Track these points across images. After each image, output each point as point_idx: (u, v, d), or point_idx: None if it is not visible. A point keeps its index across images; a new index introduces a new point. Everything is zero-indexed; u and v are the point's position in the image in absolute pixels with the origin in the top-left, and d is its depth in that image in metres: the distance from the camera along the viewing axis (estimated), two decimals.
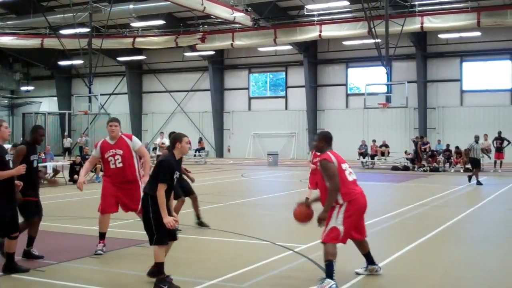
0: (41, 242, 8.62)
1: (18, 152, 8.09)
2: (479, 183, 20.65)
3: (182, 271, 7.75)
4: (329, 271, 6.85)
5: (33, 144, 8.39)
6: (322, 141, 7.35)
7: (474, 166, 21.29)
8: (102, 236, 8.80)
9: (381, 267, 7.56)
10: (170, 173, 6.86)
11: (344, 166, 7.12)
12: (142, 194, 7.34)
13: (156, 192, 6.76)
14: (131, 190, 8.83)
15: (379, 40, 29.82)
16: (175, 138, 7.13)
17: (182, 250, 9.47)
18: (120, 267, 8.02)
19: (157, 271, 6.97)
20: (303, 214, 7.52)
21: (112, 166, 8.78)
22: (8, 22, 39.06)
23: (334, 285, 6.73)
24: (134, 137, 9.04)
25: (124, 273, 7.80)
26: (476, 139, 22.11)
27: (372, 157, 31.70)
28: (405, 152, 31.25)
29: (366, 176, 25.75)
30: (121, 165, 8.76)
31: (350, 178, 7.12)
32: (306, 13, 35.13)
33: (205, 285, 7.04)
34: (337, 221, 6.95)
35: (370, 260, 7.51)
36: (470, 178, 21.05)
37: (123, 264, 8.21)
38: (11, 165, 7.50)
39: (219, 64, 43.08)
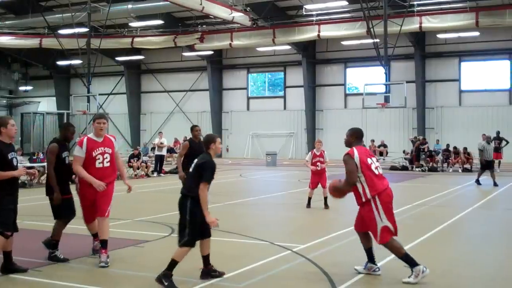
0: (38, 242, 8.61)
1: (51, 150, 8.21)
2: (478, 182, 20.56)
3: (180, 271, 7.75)
4: (410, 261, 7.13)
5: (64, 141, 8.49)
6: (352, 137, 7.63)
7: (486, 167, 20.67)
8: (95, 235, 8.56)
9: (380, 268, 7.56)
10: (212, 173, 7.05)
11: (369, 160, 7.33)
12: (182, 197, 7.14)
13: (198, 192, 6.87)
14: (109, 191, 8.22)
15: (377, 40, 29.84)
16: (210, 139, 7.31)
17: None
18: (118, 267, 8.01)
19: (207, 272, 7.26)
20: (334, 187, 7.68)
21: (99, 165, 8.09)
22: (6, 22, 39.03)
23: (424, 268, 7.05)
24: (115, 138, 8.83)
25: (123, 273, 7.79)
26: (488, 139, 21.26)
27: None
28: (404, 152, 31.27)
29: None
30: (108, 164, 8.18)
31: (376, 172, 7.33)
32: (304, 13, 35.13)
33: (203, 285, 7.04)
34: (383, 221, 7.18)
35: (370, 257, 7.53)
36: (495, 183, 20.29)
37: (122, 264, 8.20)
38: (15, 163, 7.50)
39: (218, 64, 43.09)
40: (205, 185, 6.90)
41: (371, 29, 29.59)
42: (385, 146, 32.32)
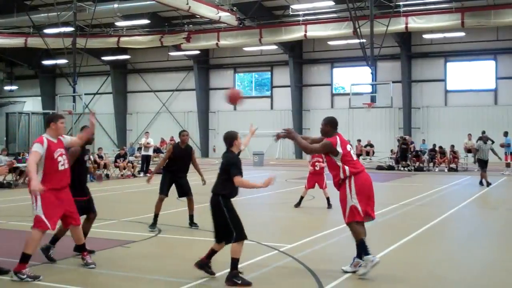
0: (22, 243, 8.53)
1: (74, 153, 8.24)
2: (488, 184, 19.91)
3: (167, 271, 7.74)
4: (364, 248, 7.32)
5: (86, 144, 8.51)
6: (328, 125, 7.75)
7: (481, 167, 20.20)
8: (27, 258, 7.36)
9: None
10: (238, 166, 7.16)
11: (348, 147, 7.61)
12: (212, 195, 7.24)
13: (236, 185, 7.07)
14: (70, 197, 7.77)
15: (364, 40, 29.93)
16: (232, 136, 7.38)
17: (168, 249, 9.45)
18: (105, 267, 7.97)
19: (203, 264, 7.29)
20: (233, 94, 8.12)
21: (61, 168, 7.56)
22: None
23: (375, 258, 7.25)
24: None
25: (110, 273, 7.76)
26: (485, 139, 20.72)
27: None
28: (391, 151, 31.36)
29: None
30: (67, 166, 7.71)
31: (354, 158, 7.64)
32: (291, 13, 35.17)
33: (190, 285, 7.03)
34: (352, 200, 7.38)
35: (359, 251, 7.51)
36: (481, 182, 20.04)
37: (108, 264, 8.16)
38: None
39: (204, 64, 43.02)
40: (238, 177, 7.02)
41: (358, 29, 29.69)
42: (371, 146, 32.43)
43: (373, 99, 29.84)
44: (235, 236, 7.04)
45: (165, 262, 8.37)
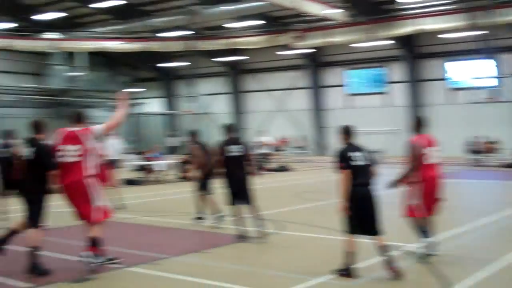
0: (143, 236, 8.88)
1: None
2: None
3: (277, 268, 7.90)
4: None
5: None
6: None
7: None
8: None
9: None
10: None
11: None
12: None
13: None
14: None
15: (484, 32, 28.19)
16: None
17: (281, 247, 9.61)
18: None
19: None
20: None
21: None
22: (114, 27, 40.38)
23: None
24: None
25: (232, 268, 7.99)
26: None
27: (481, 153, 30.00)
28: None
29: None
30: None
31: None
32: (400, 7, 34.00)
33: (311, 284, 7.16)
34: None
35: None
36: None
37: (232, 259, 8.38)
38: None
39: (314, 62, 42.90)
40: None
41: (475, 21, 28.15)
42: (492, 142, 30.62)
43: (496, 93, 28.33)
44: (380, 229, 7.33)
45: (274, 260, 8.54)
